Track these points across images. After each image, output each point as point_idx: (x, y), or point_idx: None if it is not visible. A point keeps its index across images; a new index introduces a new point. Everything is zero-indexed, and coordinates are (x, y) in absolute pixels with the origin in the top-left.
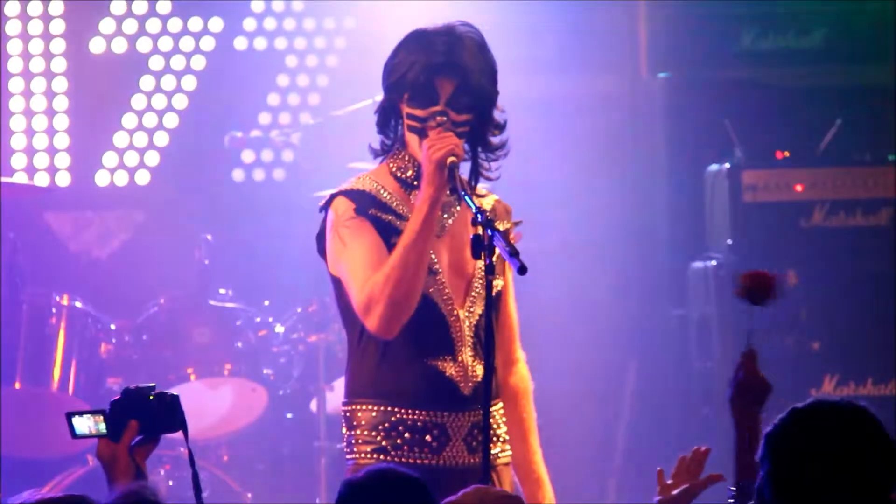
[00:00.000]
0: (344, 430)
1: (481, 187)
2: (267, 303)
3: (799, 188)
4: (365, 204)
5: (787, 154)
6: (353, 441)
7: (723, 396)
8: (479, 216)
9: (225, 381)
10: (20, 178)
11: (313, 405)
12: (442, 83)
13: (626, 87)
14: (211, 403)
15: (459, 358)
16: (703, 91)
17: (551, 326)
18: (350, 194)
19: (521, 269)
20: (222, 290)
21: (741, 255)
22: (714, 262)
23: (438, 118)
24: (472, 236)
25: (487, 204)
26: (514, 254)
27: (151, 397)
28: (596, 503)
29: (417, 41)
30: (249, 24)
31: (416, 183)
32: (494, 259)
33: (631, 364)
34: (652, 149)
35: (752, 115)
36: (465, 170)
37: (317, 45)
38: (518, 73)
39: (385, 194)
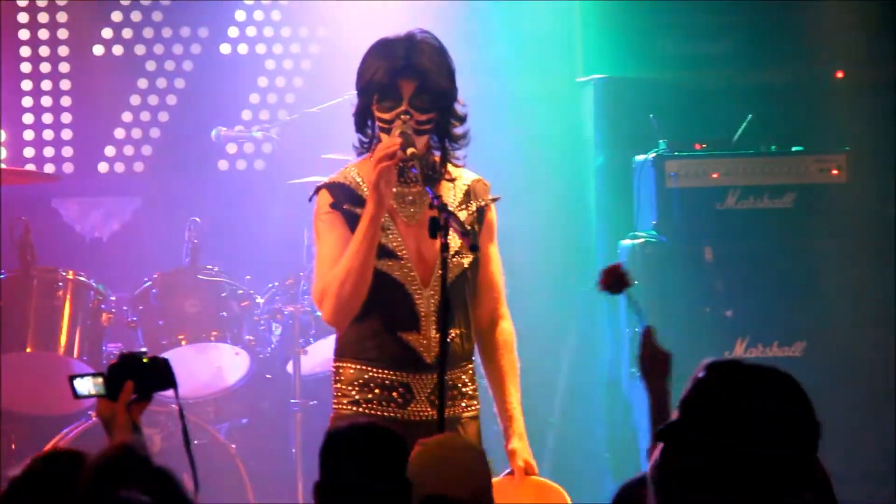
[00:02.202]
0: (332, 384)
1: (461, 169)
2: (249, 277)
3: (715, 175)
4: (341, 198)
5: (704, 145)
6: (335, 393)
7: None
8: (434, 201)
9: (212, 346)
10: (30, 167)
11: (289, 367)
12: (404, 84)
13: (563, 87)
14: (200, 366)
15: (424, 331)
16: (631, 91)
17: None
18: (331, 187)
19: (473, 247)
20: (209, 267)
21: (665, 234)
22: (641, 241)
23: (403, 117)
24: (429, 218)
25: (467, 180)
26: (466, 233)
27: (145, 360)
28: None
29: (381, 48)
30: (233, 31)
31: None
32: (463, 238)
33: (566, 332)
34: (586, 142)
35: (674, 111)
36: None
37: (293, 50)
38: (465, 74)
39: (363, 188)
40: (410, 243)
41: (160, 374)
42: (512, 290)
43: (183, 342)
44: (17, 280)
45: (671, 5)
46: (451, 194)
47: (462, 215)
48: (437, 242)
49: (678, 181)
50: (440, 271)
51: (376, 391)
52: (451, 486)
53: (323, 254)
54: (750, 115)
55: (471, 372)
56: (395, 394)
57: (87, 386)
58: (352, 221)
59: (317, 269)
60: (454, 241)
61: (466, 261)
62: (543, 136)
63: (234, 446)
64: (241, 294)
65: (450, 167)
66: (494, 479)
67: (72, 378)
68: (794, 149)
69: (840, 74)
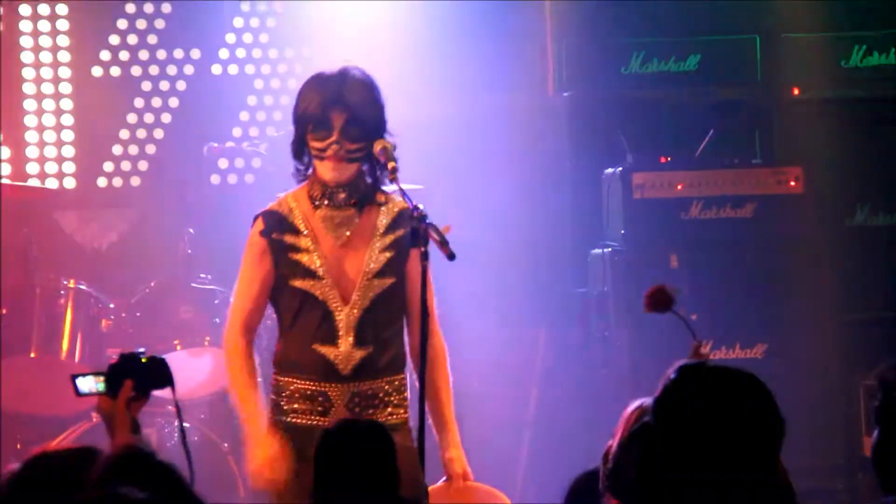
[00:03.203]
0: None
1: (395, 195)
2: None
3: (679, 187)
4: (271, 226)
5: (669, 159)
6: (269, 403)
7: (617, 360)
8: (414, 212)
9: (205, 350)
10: (34, 182)
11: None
12: (335, 115)
13: (535, 103)
14: (193, 369)
15: (340, 345)
16: (600, 107)
17: (474, 304)
18: (265, 215)
19: (451, 256)
20: (203, 275)
21: (632, 243)
22: (610, 249)
23: (334, 146)
24: (410, 228)
25: (396, 208)
26: (444, 243)
27: (144, 360)
28: (512, 455)
29: (315, 82)
30: (224, 53)
31: (318, 202)
32: (382, 261)
33: (540, 333)
34: (557, 155)
35: (641, 126)
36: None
37: (279, 70)
38: (445, 91)
39: (296, 213)
40: (333, 264)
41: (158, 373)
42: (489, 294)
43: (178, 347)
44: (21, 289)
45: (638, 27)
46: (380, 219)
47: (388, 239)
48: (360, 263)
49: (644, 192)
50: (359, 293)
51: (300, 401)
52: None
53: (238, 285)
54: (712, 130)
55: (396, 384)
56: (316, 403)
57: (88, 384)
58: (277, 248)
59: (235, 295)
60: (376, 262)
61: (389, 281)
62: (518, 149)
63: (226, 445)
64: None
65: (384, 192)
66: (432, 487)
67: (74, 376)
68: (753, 162)
69: (796, 91)
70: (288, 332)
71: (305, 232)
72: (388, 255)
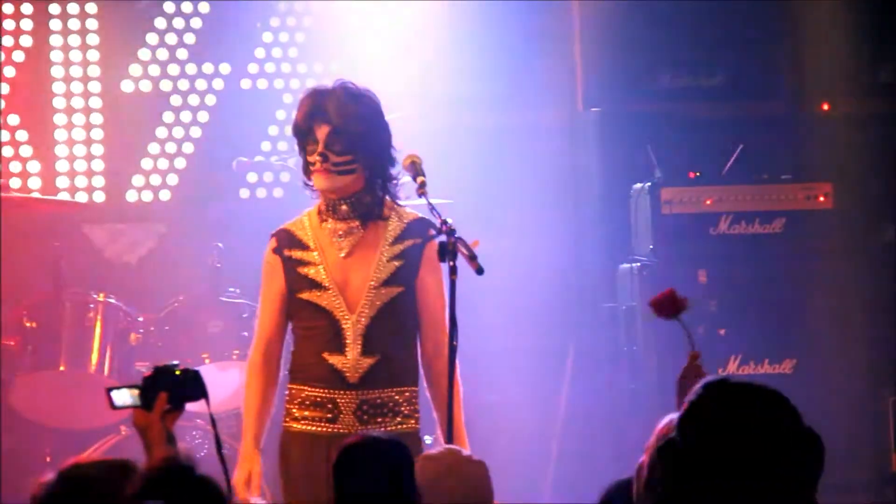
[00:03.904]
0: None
1: (403, 209)
2: None
3: (708, 202)
4: (282, 243)
5: (698, 174)
6: (283, 410)
7: (645, 374)
8: (443, 226)
9: (233, 364)
10: (64, 196)
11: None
12: (318, 128)
13: (565, 119)
14: (222, 382)
15: (348, 354)
16: (629, 122)
17: (504, 317)
18: (278, 234)
19: (479, 271)
20: (231, 289)
21: (660, 258)
22: (638, 264)
23: (318, 159)
24: (438, 242)
25: (406, 220)
26: (473, 257)
27: (178, 373)
28: (540, 466)
29: (305, 95)
30: (253, 67)
31: (324, 216)
32: (390, 270)
33: (570, 347)
34: (587, 171)
35: (670, 142)
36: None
37: (308, 84)
38: (475, 107)
39: (305, 230)
40: (338, 274)
41: (192, 386)
42: (518, 307)
43: (207, 360)
44: (51, 303)
45: (666, 42)
46: (384, 234)
47: (391, 252)
48: (367, 273)
49: (673, 207)
50: (366, 302)
51: (311, 408)
52: (460, 497)
53: (261, 301)
54: (741, 146)
55: (407, 394)
56: (325, 410)
57: (123, 397)
58: (288, 265)
59: (257, 313)
60: (383, 271)
61: (397, 290)
62: (547, 164)
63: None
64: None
65: (392, 207)
66: None
67: (109, 389)
68: (782, 177)
69: (826, 107)
70: (299, 342)
71: (312, 246)
72: (396, 264)
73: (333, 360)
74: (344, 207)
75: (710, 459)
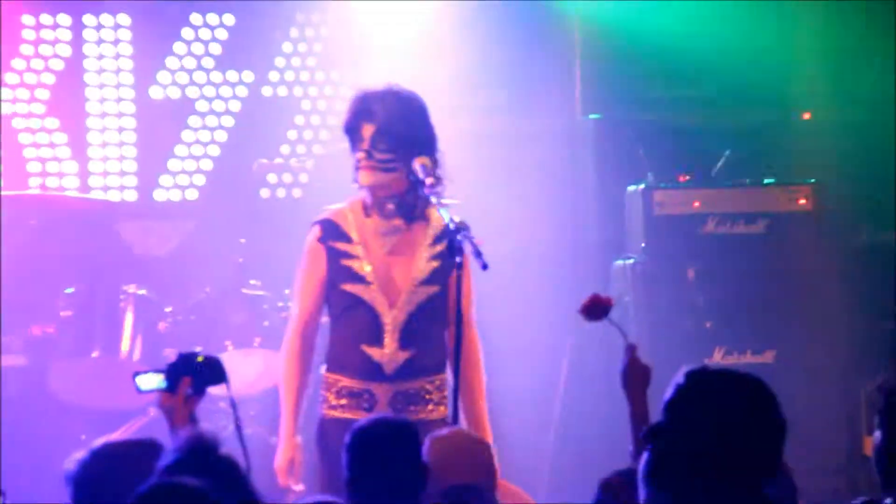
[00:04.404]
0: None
1: (441, 210)
2: (287, 291)
3: (696, 204)
4: (327, 234)
5: (687, 178)
6: (320, 398)
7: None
8: (452, 224)
9: (255, 352)
10: (97, 194)
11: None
12: (365, 127)
13: (564, 126)
14: (244, 369)
15: (385, 347)
16: (624, 130)
17: (505, 311)
18: (322, 223)
19: (484, 266)
20: (253, 282)
21: (652, 256)
22: (631, 261)
23: (363, 156)
24: (448, 240)
25: (440, 223)
26: (478, 254)
27: (200, 359)
28: (537, 454)
29: (355, 97)
30: (274, 76)
31: (369, 212)
32: (429, 270)
33: (567, 339)
34: (584, 174)
35: (662, 147)
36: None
37: (326, 92)
38: (479, 114)
39: (349, 223)
40: (381, 270)
41: (213, 372)
42: (518, 301)
43: (229, 347)
44: (86, 294)
45: (659, 54)
46: (426, 232)
47: (431, 251)
48: (407, 271)
49: (664, 209)
50: (405, 299)
51: (347, 397)
52: (468, 475)
53: (299, 286)
54: (728, 151)
55: (437, 382)
56: (361, 400)
57: (149, 382)
58: (331, 255)
59: (294, 297)
60: (423, 271)
61: (434, 289)
62: (547, 167)
63: (274, 439)
64: (280, 306)
65: (430, 207)
66: None
67: (135, 375)
68: (765, 181)
69: (807, 116)
70: (337, 333)
71: (356, 240)
72: (434, 264)
73: (372, 352)
74: (390, 206)
75: (692, 443)
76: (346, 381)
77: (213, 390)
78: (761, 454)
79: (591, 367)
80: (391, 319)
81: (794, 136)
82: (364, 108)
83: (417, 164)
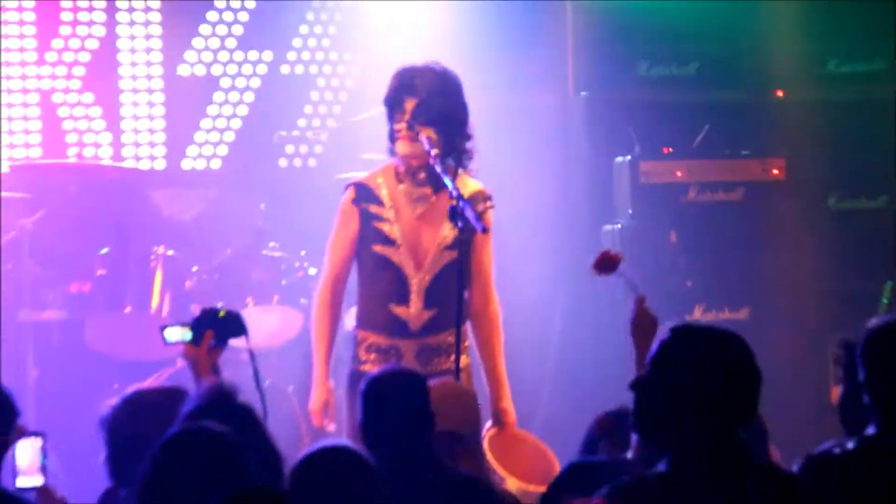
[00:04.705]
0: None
1: (468, 179)
2: (303, 252)
3: (679, 174)
4: (360, 196)
5: (671, 150)
6: (352, 354)
7: (623, 321)
8: (453, 192)
9: (274, 308)
10: (129, 163)
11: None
12: (408, 101)
13: (558, 102)
14: (264, 324)
15: (412, 307)
16: (613, 106)
17: (504, 272)
18: (356, 186)
19: (484, 230)
20: (272, 244)
21: (638, 221)
22: (619, 226)
23: (404, 127)
24: (449, 206)
25: (469, 189)
26: (478, 219)
27: (222, 314)
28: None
29: (397, 72)
30: (292, 55)
31: (401, 178)
32: (454, 235)
33: (560, 298)
34: (576, 147)
35: (647, 122)
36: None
37: (339, 71)
38: (478, 91)
39: (381, 187)
40: (410, 234)
41: (234, 325)
42: (516, 263)
43: (250, 304)
44: (119, 254)
45: (646, 36)
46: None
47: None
48: (434, 236)
49: (649, 178)
50: (429, 263)
51: (375, 353)
52: (454, 423)
53: (331, 243)
54: (707, 126)
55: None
56: (389, 356)
57: (175, 334)
58: (364, 217)
59: (327, 252)
60: (448, 237)
61: (456, 254)
62: (542, 141)
63: (291, 387)
64: (297, 266)
65: (461, 176)
66: (488, 434)
67: (163, 328)
68: (742, 153)
69: (780, 93)
70: (366, 292)
71: (388, 204)
72: (455, 232)
73: (398, 311)
74: (422, 175)
75: (678, 390)
76: (374, 338)
77: (235, 343)
78: (739, 403)
79: (584, 324)
80: (417, 281)
81: (769, 113)
82: (407, 83)
83: (423, 136)
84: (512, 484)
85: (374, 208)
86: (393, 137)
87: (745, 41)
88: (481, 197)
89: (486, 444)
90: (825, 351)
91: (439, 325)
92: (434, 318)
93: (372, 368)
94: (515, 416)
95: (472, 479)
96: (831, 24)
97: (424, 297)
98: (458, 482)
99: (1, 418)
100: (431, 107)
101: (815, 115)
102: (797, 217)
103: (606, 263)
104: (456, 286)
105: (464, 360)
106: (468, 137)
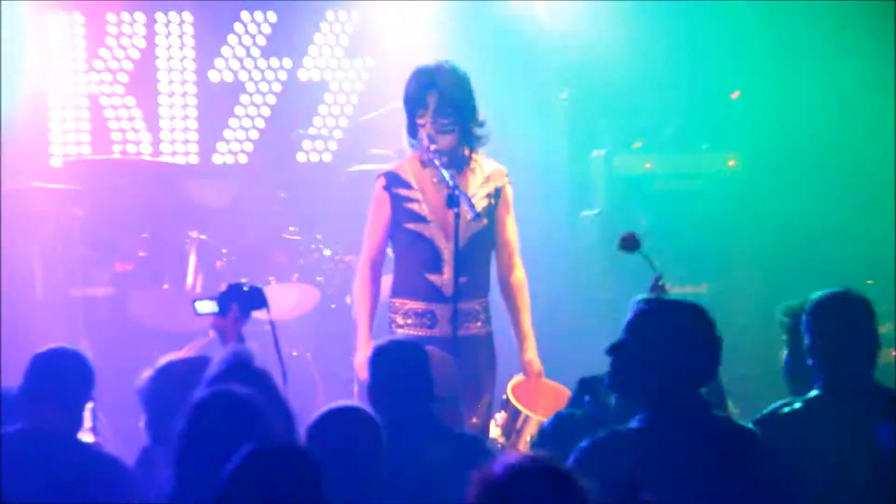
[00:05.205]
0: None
1: (486, 159)
2: (319, 236)
3: (648, 165)
4: (391, 183)
5: (640, 144)
6: (390, 319)
7: (601, 293)
8: (448, 184)
9: (293, 285)
10: (167, 158)
11: (348, 299)
12: (430, 97)
13: (542, 103)
14: (285, 299)
15: (445, 274)
16: (591, 106)
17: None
18: (387, 174)
19: (476, 217)
20: (291, 228)
21: (612, 207)
22: (595, 211)
23: (429, 120)
24: (447, 195)
25: (488, 168)
26: (471, 205)
27: (246, 289)
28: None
29: (416, 72)
30: (308, 62)
31: (426, 164)
32: (469, 209)
33: (542, 278)
34: (559, 141)
35: (620, 120)
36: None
37: (350, 76)
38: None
39: (409, 174)
40: (438, 211)
41: (257, 298)
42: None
43: (272, 281)
44: (158, 238)
45: (619, 46)
46: (475, 178)
47: (483, 191)
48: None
49: (622, 169)
50: (459, 230)
51: (413, 317)
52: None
53: (369, 226)
54: (673, 123)
55: (484, 304)
56: (425, 319)
57: (205, 307)
58: (395, 200)
59: (365, 236)
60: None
61: (482, 225)
62: (530, 136)
63: (309, 354)
64: (313, 248)
65: (476, 158)
66: (513, 380)
67: (194, 301)
68: (703, 147)
69: (735, 95)
70: (402, 265)
71: (416, 187)
72: (482, 203)
73: (433, 278)
74: (445, 159)
75: (650, 353)
76: (411, 304)
77: (257, 315)
78: (701, 364)
79: (565, 302)
80: (448, 251)
81: (726, 111)
82: (428, 81)
83: (424, 134)
84: (534, 420)
85: (403, 192)
86: (415, 131)
87: (707, 43)
88: (501, 174)
89: (510, 390)
90: (773, 318)
91: (470, 292)
92: (465, 284)
93: (408, 331)
94: (540, 367)
95: (465, 434)
96: (782, 33)
97: (455, 264)
98: (453, 437)
99: (87, 382)
100: (452, 100)
101: (766, 114)
102: (750, 202)
103: (630, 242)
104: (485, 253)
105: (489, 328)
106: (481, 124)
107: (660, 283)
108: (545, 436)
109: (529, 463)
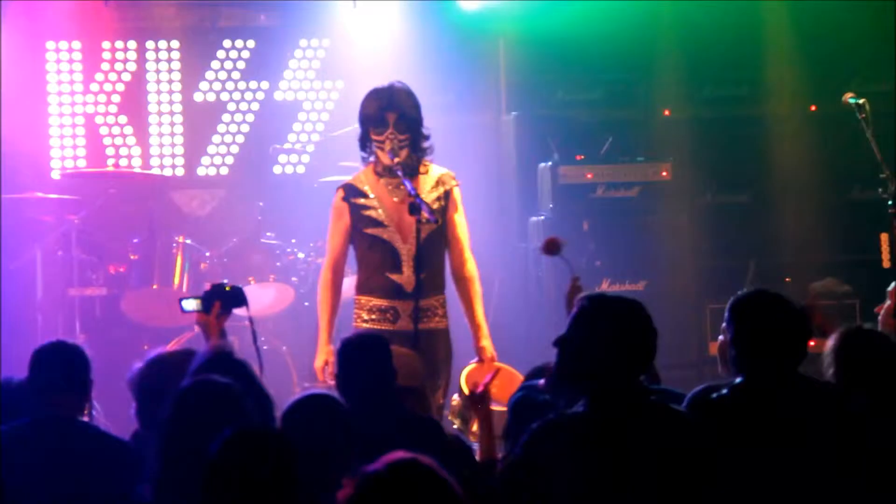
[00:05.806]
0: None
1: (433, 165)
2: (294, 240)
3: (589, 175)
4: (349, 193)
5: (582, 157)
6: (354, 316)
7: (547, 292)
8: (411, 193)
9: (270, 285)
10: (155, 171)
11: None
12: (389, 116)
13: (492, 120)
14: (262, 297)
15: (404, 272)
16: (537, 123)
17: None
18: (345, 186)
19: (437, 221)
20: (269, 234)
21: (557, 213)
22: (542, 217)
23: (389, 137)
24: (409, 203)
25: (437, 172)
26: (431, 212)
27: (227, 288)
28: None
29: (374, 93)
30: (283, 84)
31: (382, 174)
32: (428, 215)
33: (496, 277)
34: (508, 156)
35: (564, 135)
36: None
37: (321, 97)
38: (428, 112)
39: (365, 184)
40: (394, 215)
41: (237, 297)
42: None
43: (251, 282)
44: (148, 242)
45: (561, 67)
46: (426, 182)
47: (434, 195)
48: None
49: (566, 179)
50: (413, 236)
51: (376, 313)
52: (402, 379)
53: (330, 234)
54: (611, 138)
55: (441, 300)
56: (387, 314)
57: (190, 305)
58: (354, 209)
59: (327, 242)
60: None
61: (435, 225)
62: (481, 151)
63: (284, 348)
64: (288, 251)
65: (426, 164)
66: (468, 366)
67: (180, 299)
68: (638, 159)
69: (667, 112)
70: (365, 266)
71: (372, 196)
72: (434, 206)
73: (394, 276)
74: (398, 169)
75: (593, 345)
76: (375, 301)
77: (238, 312)
78: (640, 354)
79: (516, 298)
80: (406, 251)
81: (658, 128)
82: (387, 101)
83: (386, 149)
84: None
85: (360, 200)
86: (368, 146)
87: (639, 69)
88: (449, 178)
89: (463, 377)
90: (704, 314)
91: (428, 289)
92: (423, 281)
93: (374, 326)
94: (493, 352)
95: (425, 419)
96: (707, 57)
97: (414, 263)
98: (414, 421)
99: (86, 372)
100: (408, 117)
101: (694, 130)
102: (681, 208)
103: (552, 247)
104: (439, 252)
105: (444, 322)
106: (427, 137)
107: (577, 283)
108: (516, 408)
109: (406, 461)
